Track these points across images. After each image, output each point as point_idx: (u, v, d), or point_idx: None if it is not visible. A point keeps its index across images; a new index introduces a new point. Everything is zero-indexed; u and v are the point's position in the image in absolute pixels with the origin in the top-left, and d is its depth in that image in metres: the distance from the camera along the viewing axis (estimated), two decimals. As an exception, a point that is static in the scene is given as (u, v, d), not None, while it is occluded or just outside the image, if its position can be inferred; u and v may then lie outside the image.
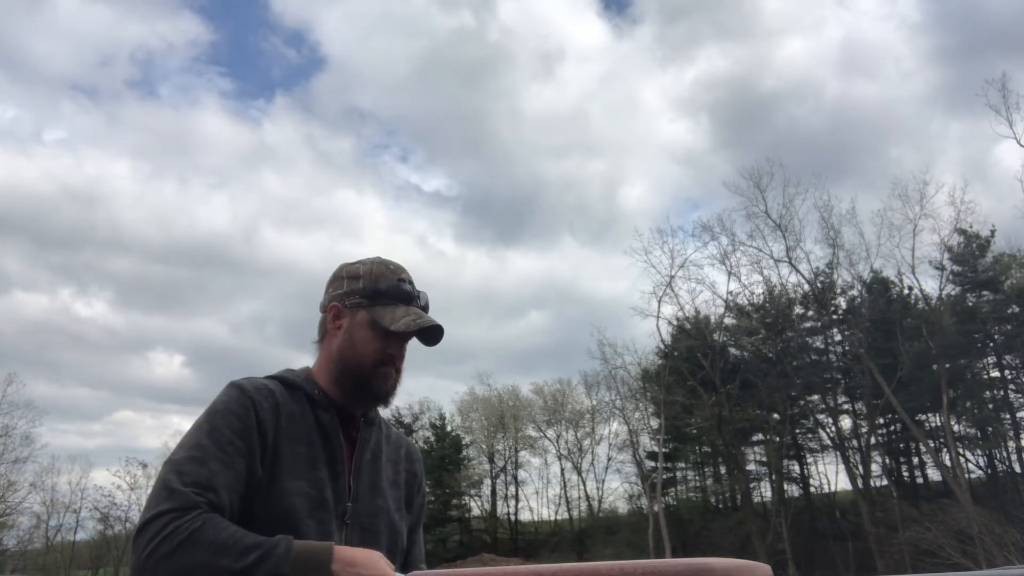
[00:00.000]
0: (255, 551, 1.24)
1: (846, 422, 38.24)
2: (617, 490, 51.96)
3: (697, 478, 48.02)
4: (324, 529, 1.43)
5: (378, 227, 79.22)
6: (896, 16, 64.74)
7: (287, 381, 1.56)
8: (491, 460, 50.13)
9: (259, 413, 1.45)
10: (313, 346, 1.67)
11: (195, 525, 1.24)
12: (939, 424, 36.12)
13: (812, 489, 42.80)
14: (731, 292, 37.30)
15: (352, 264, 1.67)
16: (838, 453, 36.41)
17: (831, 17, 63.77)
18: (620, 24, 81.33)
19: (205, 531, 1.24)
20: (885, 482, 37.38)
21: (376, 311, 1.59)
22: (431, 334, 1.63)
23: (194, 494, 1.29)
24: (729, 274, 36.04)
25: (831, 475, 46.85)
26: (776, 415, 38.96)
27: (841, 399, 39.14)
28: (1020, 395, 36.53)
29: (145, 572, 1.22)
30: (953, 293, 35.18)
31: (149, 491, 1.35)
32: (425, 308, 1.66)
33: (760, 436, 41.63)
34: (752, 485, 40.79)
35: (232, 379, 1.51)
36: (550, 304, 72.26)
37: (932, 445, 35.01)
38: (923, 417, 37.59)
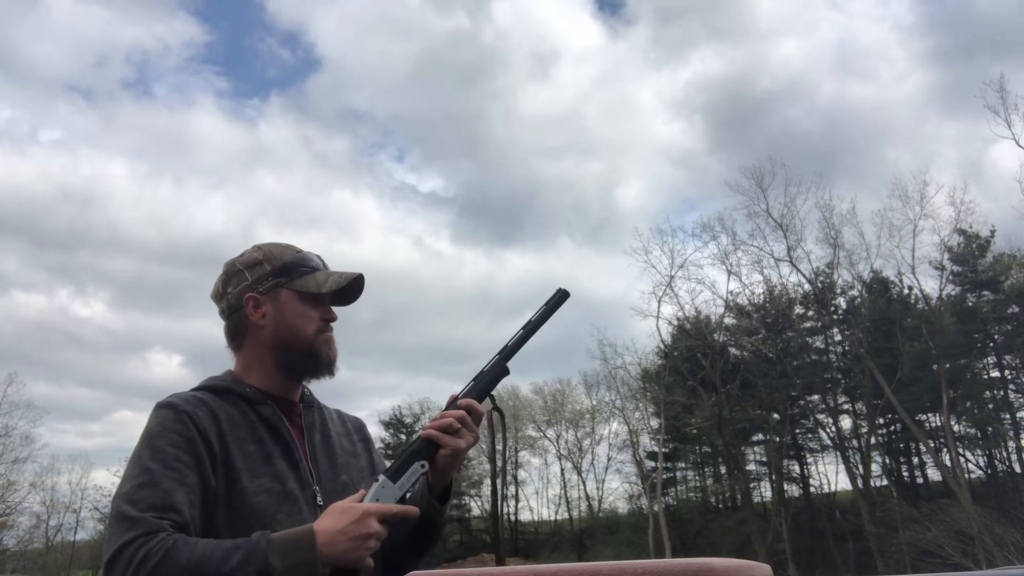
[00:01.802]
0: (237, 552, 1.21)
1: (846, 422, 38.30)
2: (617, 490, 52.04)
3: (697, 478, 48.05)
4: (297, 519, 1.40)
5: (375, 227, 79.24)
6: (889, 18, 64.87)
7: (214, 388, 1.52)
8: (491, 460, 50.08)
9: (197, 423, 1.40)
10: (226, 354, 1.61)
11: (166, 545, 1.21)
12: (939, 424, 36.13)
13: (812, 489, 42.82)
14: (731, 292, 37.35)
15: (241, 256, 1.63)
16: (838, 453, 36.42)
17: (824, 18, 63.83)
18: (615, 25, 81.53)
19: (178, 549, 1.21)
20: (885, 482, 37.41)
21: (297, 284, 1.57)
22: (357, 286, 1.63)
23: (154, 518, 1.25)
24: (729, 273, 36.09)
25: (831, 475, 46.80)
26: (776, 415, 38.95)
27: (841, 399, 39.13)
28: (1020, 395, 36.54)
29: None
30: (953, 293, 35.21)
31: (110, 509, 1.30)
32: (327, 268, 1.65)
33: (760, 436, 41.63)
34: (752, 485, 40.80)
35: (158, 401, 1.46)
36: (548, 305, 72.23)
37: (932, 445, 35.01)
38: (923, 417, 37.58)
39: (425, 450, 1.47)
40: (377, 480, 1.41)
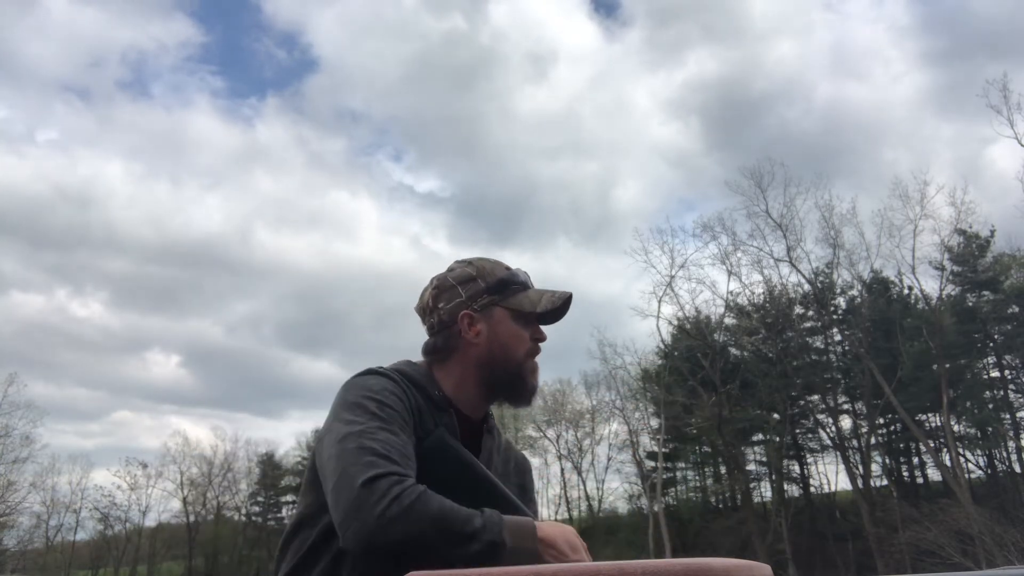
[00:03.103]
0: (478, 518, 1.22)
1: (846, 422, 38.30)
2: (617, 490, 51.91)
3: (697, 478, 48.06)
4: None
5: (372, 228, 79.46)
6: (885, 19, 65.06)
7: (411, 377, 1.50)
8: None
9: (409, 399, 1.42)
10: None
11: (418, 491, 1.21)
12: (939, 424, 36.13)
13: (812, 489, 42.84)
14: (731, 292, 37.37)
15: (452, 272, 1.59)
16: (838, 453, 36.42)
17: (820, 20, 64.06)
18: (611, 27, 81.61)
19: (429, 497, 1.21)
20: (885, 482, 37.42)
21: (512, 302, 1.54)
22: (567, 305, 1.58)
23: (402, 464, 1.26)
24: (729, 274, 36.10)
25: (831, 475, 46.87)
26: (776, 415, 38.96)
27: (841, 399, 39.14)
28: (1020, 395, 36.55)
29: (377, 533, 1.18)
30: (953, 293, 35.21)
31: (333, 454, 1.29)
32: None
33: (760, 436, 41.64)
34: (752, 485, 40.81)
35: (367, 368, 1.47)
36: (546, 305, 72.32)
37: (932, 445, 35.01)
38: (923, 417, 37.59)
39: None
40: None
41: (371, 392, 1.39)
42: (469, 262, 1.61)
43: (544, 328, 1.59)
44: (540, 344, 1.58)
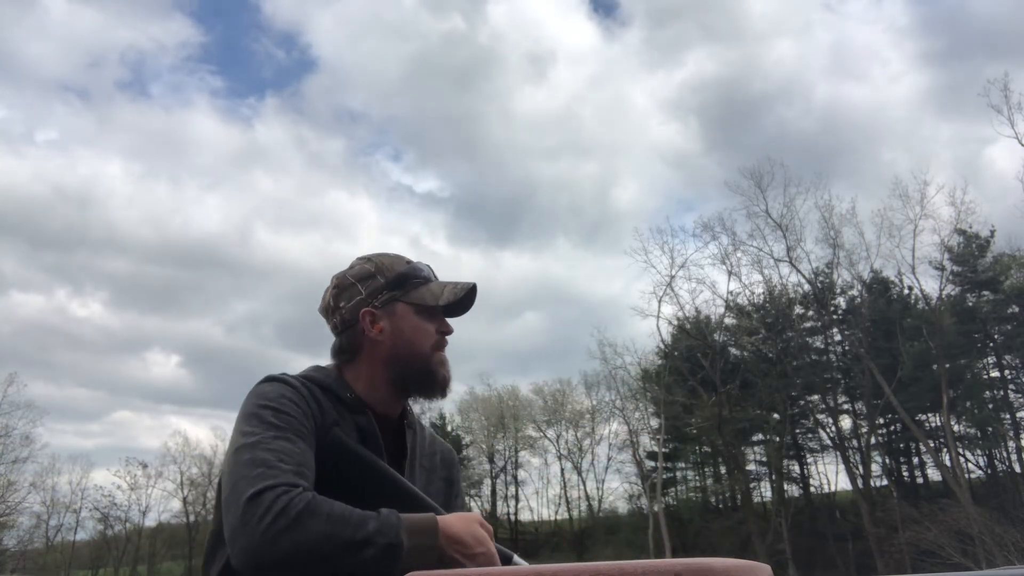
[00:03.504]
0: (372, 520, 1.19)
1: (846, 422, 38.30)
2: (617, 490, 51.97)
3: (697, 478, 48.05)
4: None
5: (371, 228, 79.38)
6: (883, 20, 65.06)
7: (320, 382, 1.47)
8: (491, 460, 50.16)
9: (311, 406, 1.38)
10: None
11: (306, 499, 1.17)
12: (939, 424, 36.12)
13: (812, 489, 42.83)
14: (731, 292, 37.37)
15: (352, 269, 1.57)
16: (838, 453, 36.41)
17: (818, 20, 64.07)
18: (610, 27, 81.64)
19: (318, 504, 1.18)
20: (885, 482, 37.40)
21: (413, 296, 1.52)
22: (471, 297, 1.57)
23: (293, 473, 1.22)
24: (729, 274, 36.10)
25: (831, 475, 46.90)
26: (776, 415, 38.96)
27: (841, 399, 39.14)
28: (1020, 395, 36.54)
29: (263, 548, 1.13)
30: (953, 293, 35.20)
31: (228, 468, 1.25)
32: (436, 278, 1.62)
33: (760, 436, 41.64)
34: (752, 485, 40.81)
35: (268, 375, 1.44)
36: (545, 305, 72.49)
37: (932, 445, 35.01)
38: (923, 417, 37.58)
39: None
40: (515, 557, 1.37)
41: (267, 400, 1.35)
42: (368, 258, 1.58)
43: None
44: (447, 336, 1.56)
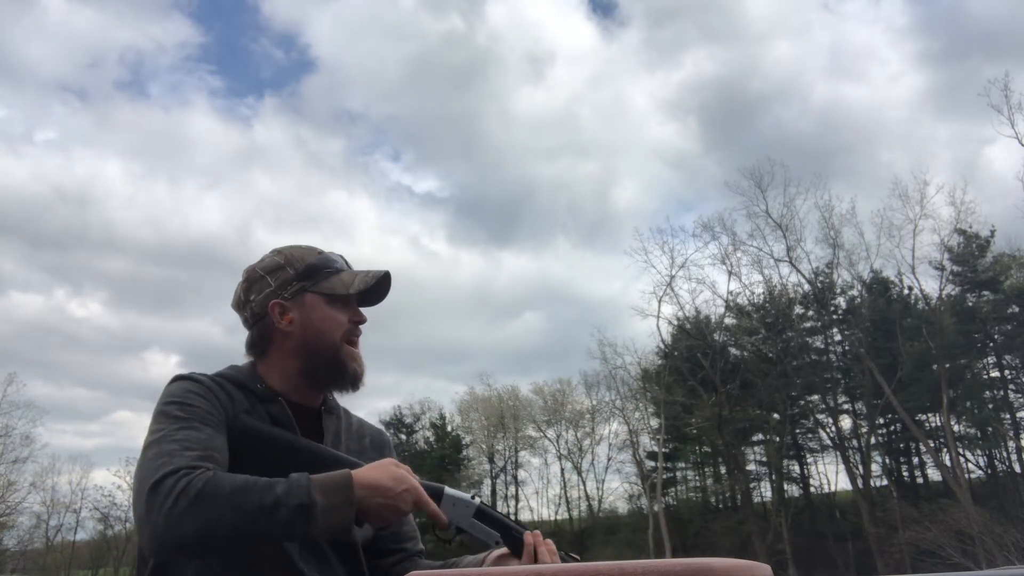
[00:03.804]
0: (279, 485, 1.19)
1: (846, 422, 38.29)
2: (617, 490, 51.87)
3: (697, 478, 48.02)
4: None
5: (371, 228, 79.31)
6: (882, 20, 64.94)
7: (232, 378, 1.48)
8: (491, 460, 50.13)
9: (219, 398, 1.39)
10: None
11: (206, 477, 1.17)
12: (939, 424, 36.11)
13: (812, 489, 42.81)
14: (731, 292, 37.37)
15: (261, 262, 1.56)
16: (838, 453, 36.42)
17: (817, 20, 63.90)
18: (609, 27, 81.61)
19: (220, 479, 1.18)
20: (885, 482, 37.37)
21: (323, 286, 1.51)
22: (384, 285, 1.57)
23: (196, 457, 1.23)
24: (729, 274, 36.12)
25: (831, 475, 46.83)
26: (776, 415, 38.95)
27: (841, 399, 39.13)
28: (1020, 395, 36.53)
29: (169, 533, 1.14)
30: (953, 293, 35.19)
31: (138, 465, 1.26)
32: (350, 268, 1.60)
33: (760, 436, 41.62)
34: (752, 485, 40.79)
35: (176, 374, 1.44)
36: (544, 304, 72.41)
37: (932, 445, 35.01)
38: (923, 417, 37.57)
39: (511, 539, 1.40)
40: (468, 497, 1.39)
41: (173, 397, 1.36)
42: (279, 251, 1.57)
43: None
44: (360, 326, 1.56)
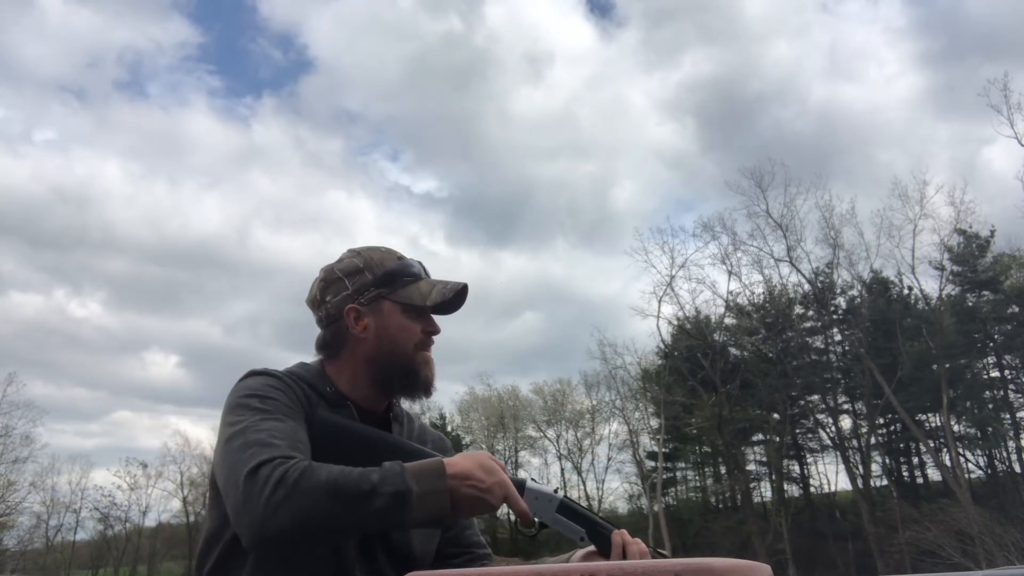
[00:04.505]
0: (374, 473, 1.19)
1: (846, 422, 38.29)
2: (617, 490, 51.93)
3: (697, 478, 48.05)
4: None
5: (370, 228, 79.19)
6: (880, 20, 64.96)
7: (304, 378, 1.48)
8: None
9: (297, 395, 1.40)
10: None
11: (303, 466, 1.18)
12: (939, 424, 36.11)
13: (812, 489, 42.83)
14: (731, 292, 37.35)
15: (340, 262, 1.55)
16: (838, 453, 36.42)
17: (815, 21, 63.89)
18: (607, 27, 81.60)
19: (316, 469, 1.18)
20: (885, 482, 37.38)
21: (401, 295, 1.50)
22: (461, 296, 1.55)
23: (288, 447, 1.24)
24: (730, 274, 36.11)
25: (831, 475, 46.85)
26: (776, 415, 38.95)
27: (841, 399, 39.13)
28: (1020, 395, 36.54)
29: (269, 521, 1.14)
30: (953, 293, 35.19)
31: (220, 459, 1.27)
32: (428, 275, 1.59)
33: (760, 436, 41.62)
34: (752, 485, 40.80)
35: (251, 369, 1.45)
36: (544, 305, 72.38)
37: (932, 445, 35.02)
38: (923, 417, 37.57)
39: (596, 535, 1.38)
40: (551, 491, 1.37)
41: (251, 390, 1.36)
42: (358, 252, 1.56)
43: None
44: (434, 336, 1.54)
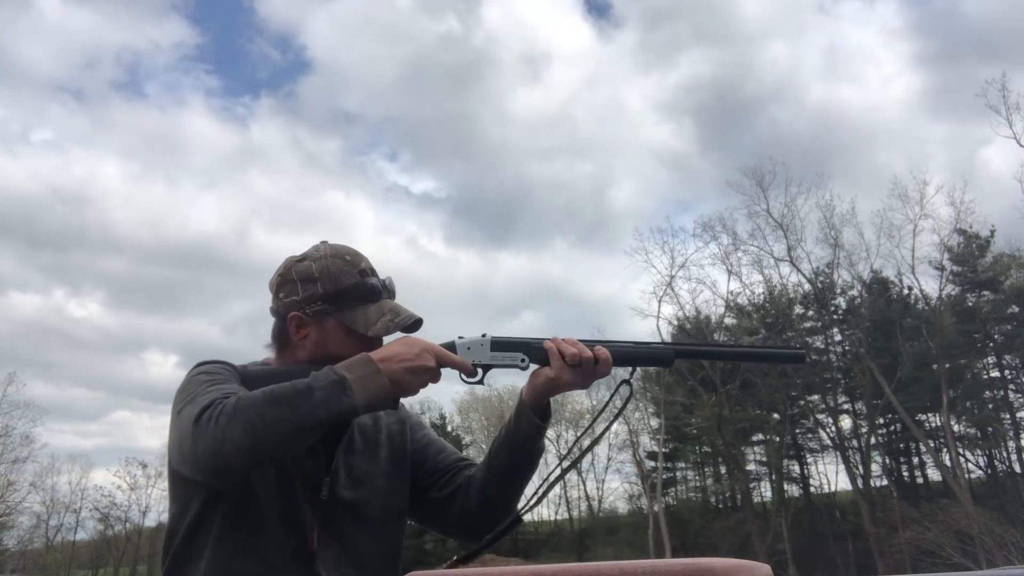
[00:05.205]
0: (305, 376, 1.25)
1: (846, 422, 38.26)
2: (617, 490, 52.00)
3: (697, 478, 48.05)
4: (290, 502, 1.38)
5: (368, 228, 79.26)
6: (876, 21, 65.08)
7: (246, 365, 1.52)
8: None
9: (240, 375, 1.44)
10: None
11: (239, 395, 1.25)
12: (939, 424, 36.12)
13: (812, 489, 42.83)
14: (731, 292, 37.32)
15: (301, 261, 1.51)
16: (838, 453, 36.40)
17: (812, 22, 63.94)
18: (604, 28, 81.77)
19: (251, 393, 1.24)
20: (885, 482, 37.37)
21: (346, 316, 1.46)
22: (411, 331, 1.49)
23: (226, 393, 1.29)
24: (730, 273, 36.06)
25: (831, 475, 46.80)
26: (776, 415, 38.96)
27: (841, 399, 39.12)
28: (1020, 395, 36.54)
29: (221, 447, 1.19)
30: (953, 293, 35.18)
31: (174, 425, 1.33)
32: (392, 295, 1.54)
33: (760, 436, 41.63)
34: (752, 485, 40.79)
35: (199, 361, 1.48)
36: (543, 305, 72.40)
37: (932, 445, 35.01)
38: (923, 417, 37.57)
39: (536, 354, 1.44)
40: (483, 336, 1.43)
41: (196, 372, 1.41)
42: (322, 255, 1.51)
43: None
44: None
